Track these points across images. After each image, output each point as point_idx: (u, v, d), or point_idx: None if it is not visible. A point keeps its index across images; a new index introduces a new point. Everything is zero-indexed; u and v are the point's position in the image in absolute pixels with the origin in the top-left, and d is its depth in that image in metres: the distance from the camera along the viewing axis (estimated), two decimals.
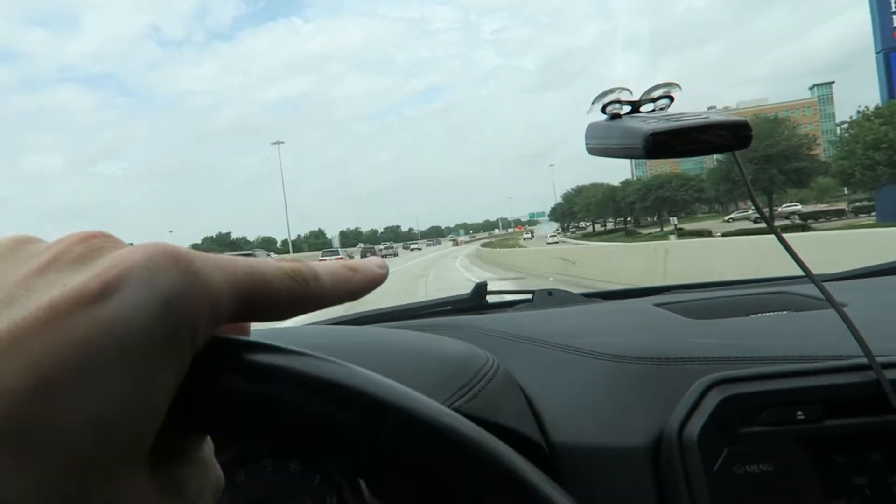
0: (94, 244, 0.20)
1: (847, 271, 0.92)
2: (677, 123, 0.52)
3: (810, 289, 0.79)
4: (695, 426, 0.44)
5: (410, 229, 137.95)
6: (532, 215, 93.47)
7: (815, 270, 0.50)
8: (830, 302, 0.46)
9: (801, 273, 0.49)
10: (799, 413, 0.43)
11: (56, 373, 0.16)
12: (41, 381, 0.16)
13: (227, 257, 0.21)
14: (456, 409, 0.44)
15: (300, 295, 0.22)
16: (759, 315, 0.69)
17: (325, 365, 0.22)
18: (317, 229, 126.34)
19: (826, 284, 0.48)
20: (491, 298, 1.10)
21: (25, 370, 0.16)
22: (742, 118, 0.54)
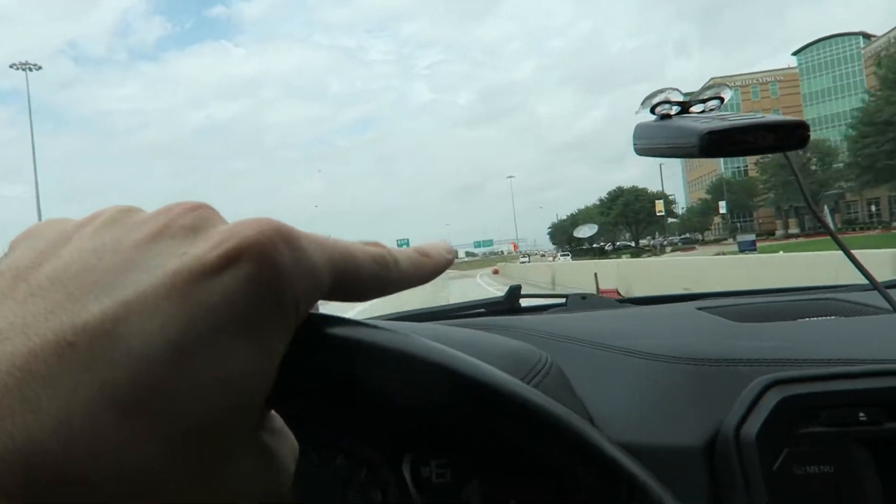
0: (202, 214, 0.21)
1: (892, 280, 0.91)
2: (732, 122, 0.52)
3: (855, 296, 0.78)
4: (753, 426, 0.44)
5: None
6: (477, 244, 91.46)
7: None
8: (893, 306, 0.46)
9: (838, 283, 0.48)
10: (860, 415, 0.43)
11: (183, 338, 0.17)
12: (170, 345, 0.17)
13: (326, 237, 0.22)
14: None
15: (384, 277, 0.23)
16: (808, 319, 0.68)
17: (421, 343, 0.22)
18: None
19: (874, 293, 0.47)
20: (524, 302, 1.10)
21: (155, 335, 0.17)
22: (797, 119, 0.54)
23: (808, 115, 69.50)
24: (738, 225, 69.19)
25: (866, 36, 69.39)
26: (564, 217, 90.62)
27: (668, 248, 57.50)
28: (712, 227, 73.28)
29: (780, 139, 0.52)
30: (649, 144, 0.62)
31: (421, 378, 0.22)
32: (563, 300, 1.09)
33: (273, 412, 0.24)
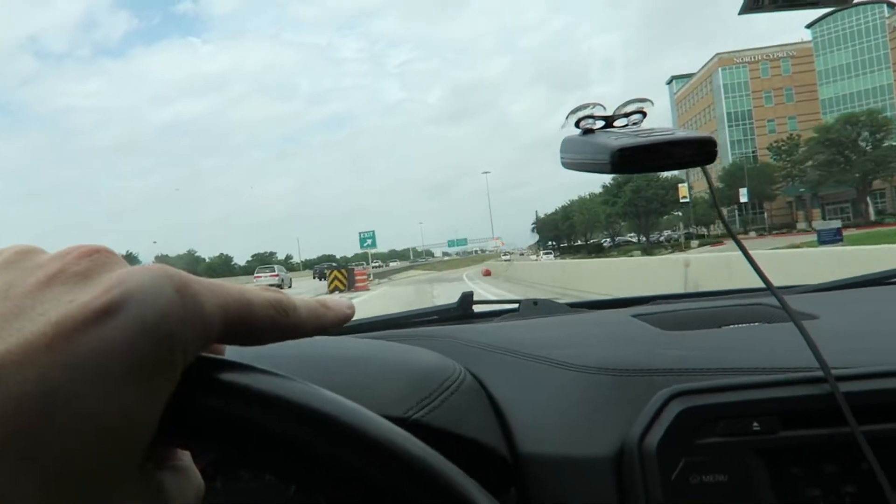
0: (97, 260, 0.21)
1: (820, 283, 0.93)
2: (645, 139, 0.54)
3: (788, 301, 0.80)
4: (654, 437, 0.45)
5: (288, 256, 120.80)
6: (451, 242, 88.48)
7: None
8: (789, 314, 0.47)
9: (782, 285, 0.50)
10: (755, 424, 0.44)
11: (63, 386, 0.18)
12: (50, 393, 0.17)
13: (220, 283, 0.23)
14: (415, 421, 0.46)
15: (280, 324, 0.24)
16: (732, 327, 0.70)
17: (283, 383, 0.23)
18: (221, 254, 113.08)
19: (801, 297, 0.49)
20: (477, 308, 1.11)
21: (35, 383, 0.17)
22: (708, 135, 0.55)
23: (824, 95, 64.30)
24: (752, 217, 62.08)
25: (891, 5, 60.13)
26: (553, 210, 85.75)
27: (695, 243, 50.24)
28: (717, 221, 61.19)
29: (689, 155, 0.54)
30: (573, 159, 0.63)
31: (288, 417, 0.23)
32: (515, 306, 1.10)
33: (181, 451, 0.25)
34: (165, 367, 0.20)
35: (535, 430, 0.52)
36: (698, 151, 0.54)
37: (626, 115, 0.65)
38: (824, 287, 0.94)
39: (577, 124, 0.65)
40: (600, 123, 0.64)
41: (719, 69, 70.81)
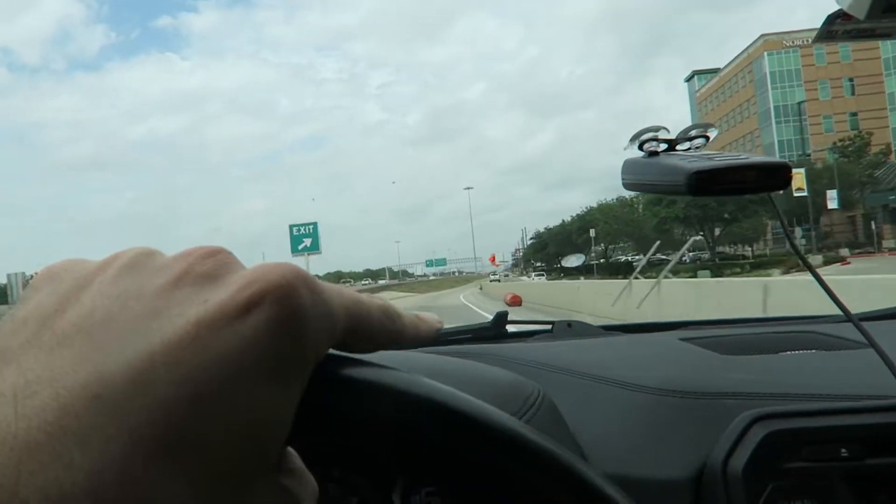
0: (221, 260, 0.21)
1: (870, 312, 0.93)
2: (719, 163, 0.54)
3: (834, 329, 0.80)
4: (739, 460, 0.45)
5: None
6: (429, 262, 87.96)
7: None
8: (869, 340, 0.47)
9: (823, 313, 0.50)
10: (843, 450, 0.44)
11: (207, 386, 0.17)
12: (195, 393, 0.17)
13: (339, 286, 0.23)
14: None
15: (389, 329, 0.24)
16: (789, 353, 0.70)
17: (429, 384, 0.23)
18: None
19: (848, 324, 0.49)
20: (510, 328, 1.11)
21: (181, 384, 0.17)
22: (782, 161, 0.56)
23: (891, 88, 53.34)
24: (807, 233, 39.35)
25: None
26: (553, 226, 68.81)
27: (821, 256, 31.68)
28: (765, 235, 48.95)
29: (764, 180, 0.54)
30: (637, 180, 0.64)
31: (418, 416, 0.23)
32: (549, 327, 1.10)
33: (291, 452, 0.25)
34: (299, 366, 0.20)
35: (605, 451, 0.52)
36: (772, 176, 0.54)
37: (690, 138, 0.66)
38: (866, 317, 0.94)
39: (640, 147, 0.66)
40: (663, 146, 0.65)
41: (764, 54, 57.08)
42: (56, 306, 0.19)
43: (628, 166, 0.65)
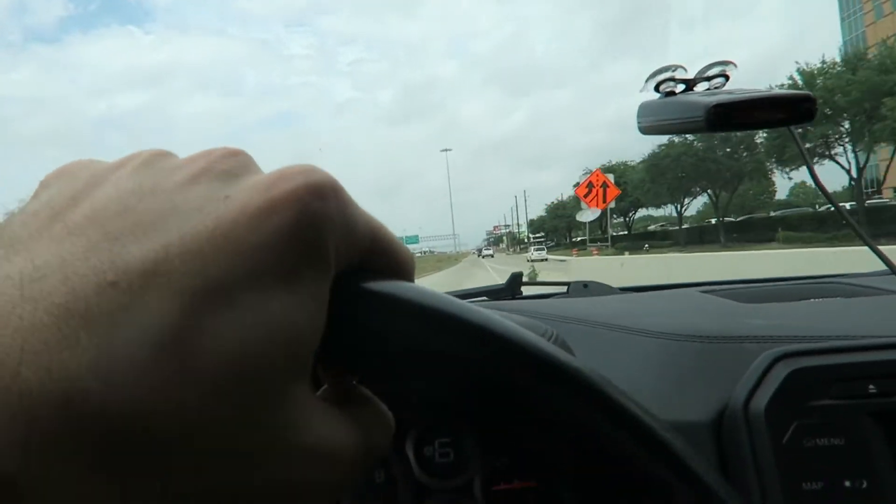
0: (242, 160, 0.21)
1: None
2: (740, 96, 0.52)
3: (863, 280, 0.78)
4: (761, 399, 0.43)
5: None
6: (403, 239, 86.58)
7: None
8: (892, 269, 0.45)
9: (839, 273, 0.48)
10: (871, 387, 0.42)
11: (224, 281, 0.17)
12: (212, 287, 0.16)
13: (365, 211, 0.22)
14: None
15: (408, 256, 0.24)
16: (812, 300, 0.68)
17: (465, 306, 0.22)
18: None
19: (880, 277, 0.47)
20: (526, 290, 1.09)
21: (196, 276, 0.16)
22: (805, 92, 0.53)
23: None
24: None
25: None
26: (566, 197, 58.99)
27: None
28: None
29: (786, 113, 0.52)
30: (654, 122, 0.62)
31: (457, 338, 0.22)
32: (564, 288, 1.08)
33: (360, 387, 0.24)
34: (319, 274, 0.19)
35: None
36: (796, 109, 0.52)
37: (708, 78, 0.63)
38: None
39: (656, 88, 0.63)
40: (681, 87, 0.63)
41: None
42: (68, 200, 0.19)
43: (645, 109, 0.63)
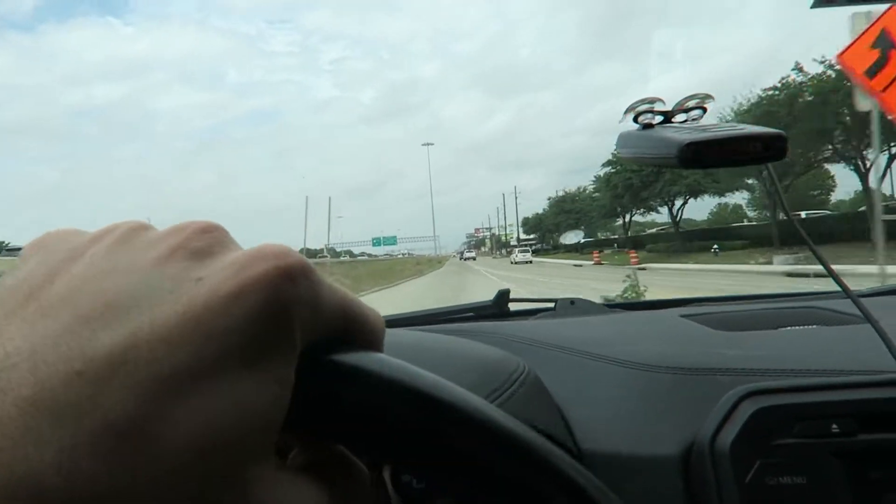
0: (216, 237, 0.21)
1: (873, 288, 0.91)
2: (712, 134, 0.53)
3: (836, 304, 0.79)
4: (727, 437, 0.44)
5: None
6: (376, 241, 77.38)
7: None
8: (867, 317, 0.46)
9: (825, 289, 0.49)
10: (833, 426, 0.43)
11: (191, 366, 0.17)
12: (177, 373, 0.17)
13: (337, 287, 0.22)
14: None
15: (378, 330, 0.24)
16: (788, 328, 0.68)
17: (406, 368, 0.23)
18: None
19: (847, 301, 0.48)
20: (513, 306, 1.10)
21: (163, 362, 0.17)
22: (777, 130, 0.54)
23: None
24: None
25: None
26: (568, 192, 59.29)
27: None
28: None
29: (759, 151, 0.52)
30: (632, 153, 0.63)
31: (394, 399, 0.22)
32: (551, 305, 1.09)
33: (338, 447, 0.24)
34: (287, 352, 0.19)
35: (595, 427, 0.51)
36: (768, 147, 0.53)
37: (686, 110, 0.64)
38: (867, 293, 0.92)
39: (635, 119, 0.64)
40: (659, 118, 0.63)
41: None
42: (45, 277, 0.19)
43: (623, 139, 0.64)
